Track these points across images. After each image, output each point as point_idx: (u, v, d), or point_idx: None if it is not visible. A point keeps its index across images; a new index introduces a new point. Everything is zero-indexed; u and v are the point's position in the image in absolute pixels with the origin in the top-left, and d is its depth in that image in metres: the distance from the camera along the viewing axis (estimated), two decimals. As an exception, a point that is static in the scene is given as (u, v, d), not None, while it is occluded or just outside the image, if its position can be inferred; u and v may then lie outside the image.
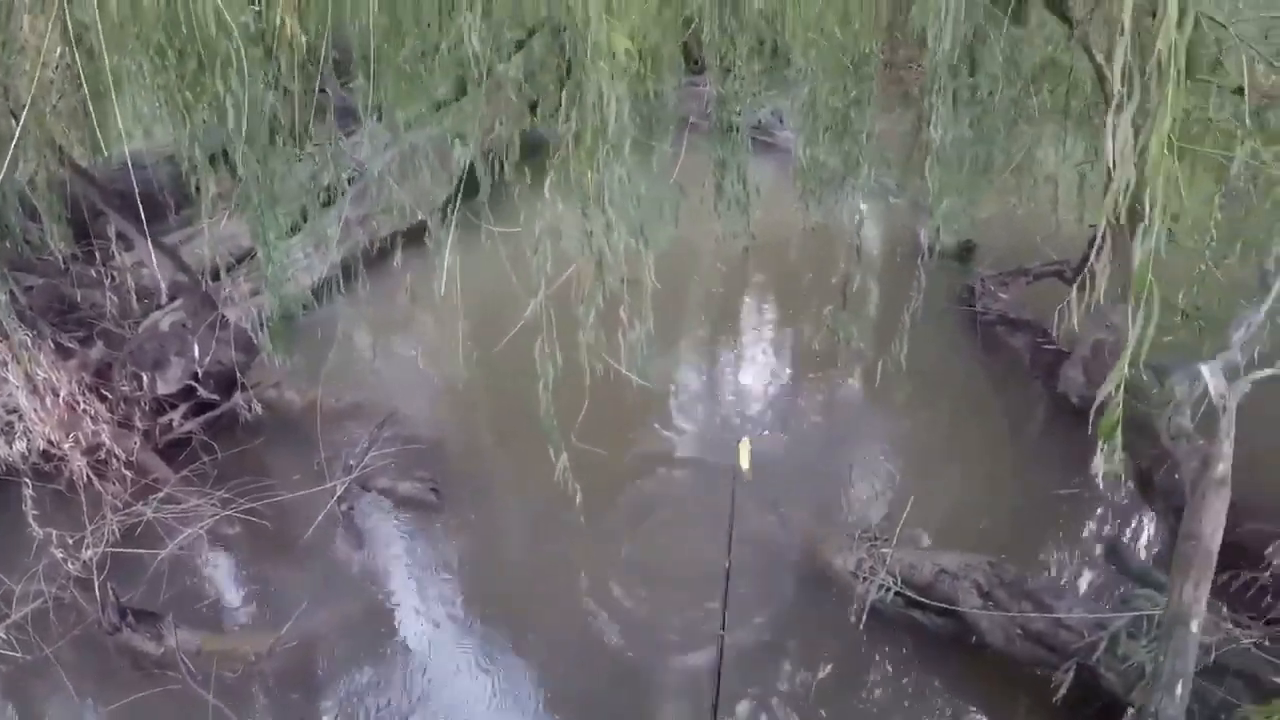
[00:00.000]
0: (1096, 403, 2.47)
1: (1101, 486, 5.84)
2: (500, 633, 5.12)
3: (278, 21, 4.23)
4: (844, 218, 6.06)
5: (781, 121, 9.87)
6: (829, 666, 4.88)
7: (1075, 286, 2.51)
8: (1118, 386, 2.38)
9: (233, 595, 5.52)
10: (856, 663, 4.86)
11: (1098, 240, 2.47)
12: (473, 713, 4.74)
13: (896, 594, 4.85)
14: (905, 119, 6.82)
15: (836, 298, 5.91)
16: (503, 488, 6.05)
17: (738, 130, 5.61)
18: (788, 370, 7.44)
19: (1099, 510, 5.90)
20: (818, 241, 6.91)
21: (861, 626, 4.87)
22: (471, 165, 5.68)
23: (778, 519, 5.68)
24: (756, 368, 7.45)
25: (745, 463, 4.86)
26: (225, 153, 4.74)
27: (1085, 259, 2.63)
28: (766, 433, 6.59)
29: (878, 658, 4.89)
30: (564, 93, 4.37)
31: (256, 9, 5.14)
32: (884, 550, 5.05)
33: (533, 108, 5.61)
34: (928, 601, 4.83)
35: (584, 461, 4.26)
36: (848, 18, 5.17)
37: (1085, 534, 5.74)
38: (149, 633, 5.08)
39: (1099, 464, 2.55)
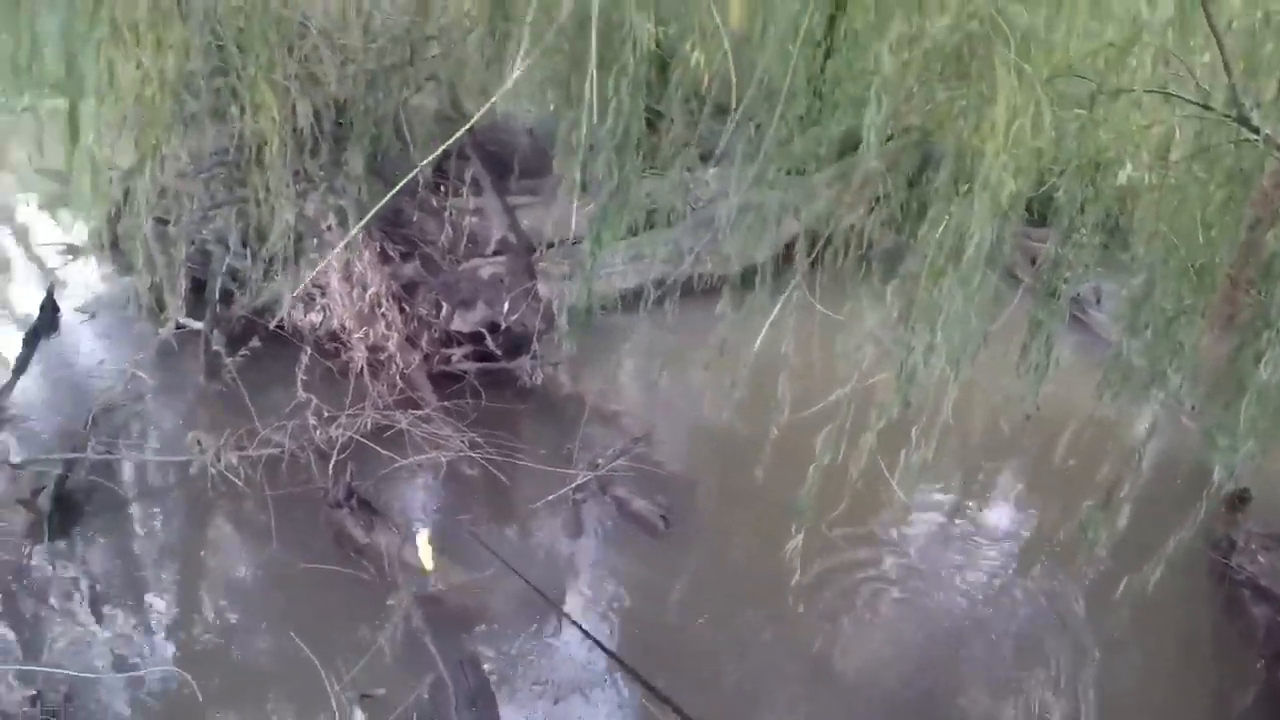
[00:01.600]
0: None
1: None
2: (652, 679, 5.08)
3: (687, 48, 4.52)
4: (1134, 421, 5.98)
5: (1098, 301, 9.52)
6: None
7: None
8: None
9: (449, 525, 5.86)
10: None
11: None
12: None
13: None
14: (1226, 342, 6.52)
15: (1098, 495, 5.67)
16: (725, 545, 6.07)
17: (1059, 296, 5.51)
18: (1019, 547, 7.17)
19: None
20: (1096, 433, 6.67)
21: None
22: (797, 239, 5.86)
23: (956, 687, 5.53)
24: (995, 532, 7.21)
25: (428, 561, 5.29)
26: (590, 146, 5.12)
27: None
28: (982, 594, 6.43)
29: None
30: (932, 207, 4.51)
31: (667, 30, 5.48)
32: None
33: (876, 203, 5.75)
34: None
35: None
36: (1206, 221, 4.97)
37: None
38: (363, 521, 5.53)
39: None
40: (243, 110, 5.50)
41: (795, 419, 5.84)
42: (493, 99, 3.68)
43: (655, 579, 5.71)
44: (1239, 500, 7.56)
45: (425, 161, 3.80)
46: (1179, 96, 4.41)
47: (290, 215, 5.91)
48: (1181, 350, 5.32)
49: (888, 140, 5.87)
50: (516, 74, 3.00)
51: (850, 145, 5.66)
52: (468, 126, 3.42)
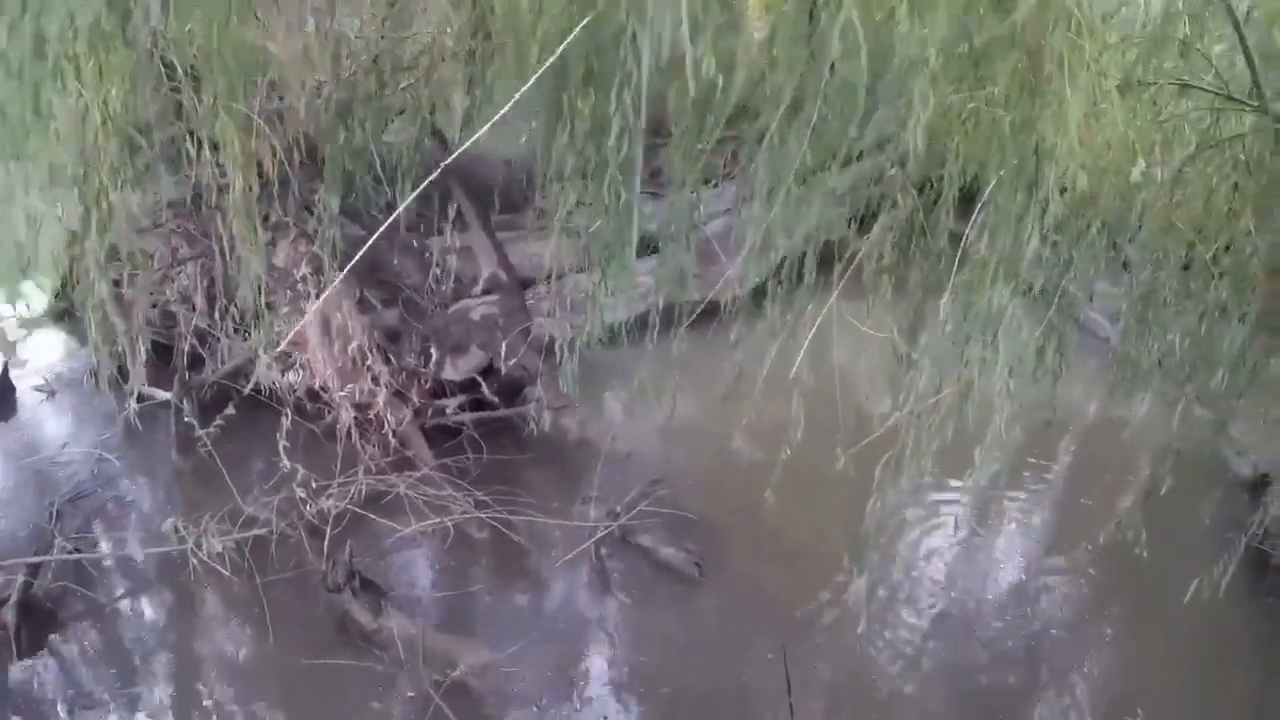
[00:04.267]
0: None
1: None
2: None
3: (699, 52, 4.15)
4: (1146, 419, 5.62)
5: (1090, 300, 9.22)
6: None
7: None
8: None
9: (464, 597, 5.37)
10: None
11: None
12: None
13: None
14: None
15: (1126, 495, 5.63)
16: (761, 591, 5.56)
17: (1070, 299, 5.33)
18: (1041, 545, 6.89)
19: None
20: (1108, 434, 6.53)
21: None
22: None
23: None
24: (1036, 539, 6.94)
25: None
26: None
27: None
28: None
29: None
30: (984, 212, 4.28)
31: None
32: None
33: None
34: None
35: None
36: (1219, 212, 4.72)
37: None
38: (369, 604, 5.03)
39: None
40: (200, 147, 4.93)
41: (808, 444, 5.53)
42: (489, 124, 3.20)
43: (694, 634, 5.25)
44: (1262, 484, 7.43)
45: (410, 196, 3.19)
46: (1203, 88, 4.26)
47: (259, 266, 5.38)
48: (1188, 343, 5.16)
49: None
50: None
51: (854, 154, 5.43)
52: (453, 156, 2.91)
